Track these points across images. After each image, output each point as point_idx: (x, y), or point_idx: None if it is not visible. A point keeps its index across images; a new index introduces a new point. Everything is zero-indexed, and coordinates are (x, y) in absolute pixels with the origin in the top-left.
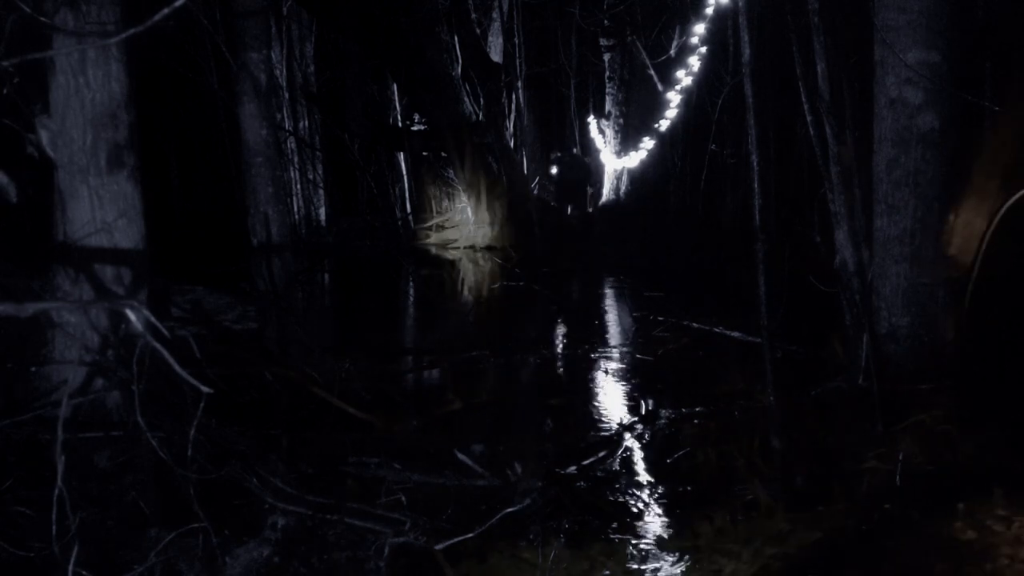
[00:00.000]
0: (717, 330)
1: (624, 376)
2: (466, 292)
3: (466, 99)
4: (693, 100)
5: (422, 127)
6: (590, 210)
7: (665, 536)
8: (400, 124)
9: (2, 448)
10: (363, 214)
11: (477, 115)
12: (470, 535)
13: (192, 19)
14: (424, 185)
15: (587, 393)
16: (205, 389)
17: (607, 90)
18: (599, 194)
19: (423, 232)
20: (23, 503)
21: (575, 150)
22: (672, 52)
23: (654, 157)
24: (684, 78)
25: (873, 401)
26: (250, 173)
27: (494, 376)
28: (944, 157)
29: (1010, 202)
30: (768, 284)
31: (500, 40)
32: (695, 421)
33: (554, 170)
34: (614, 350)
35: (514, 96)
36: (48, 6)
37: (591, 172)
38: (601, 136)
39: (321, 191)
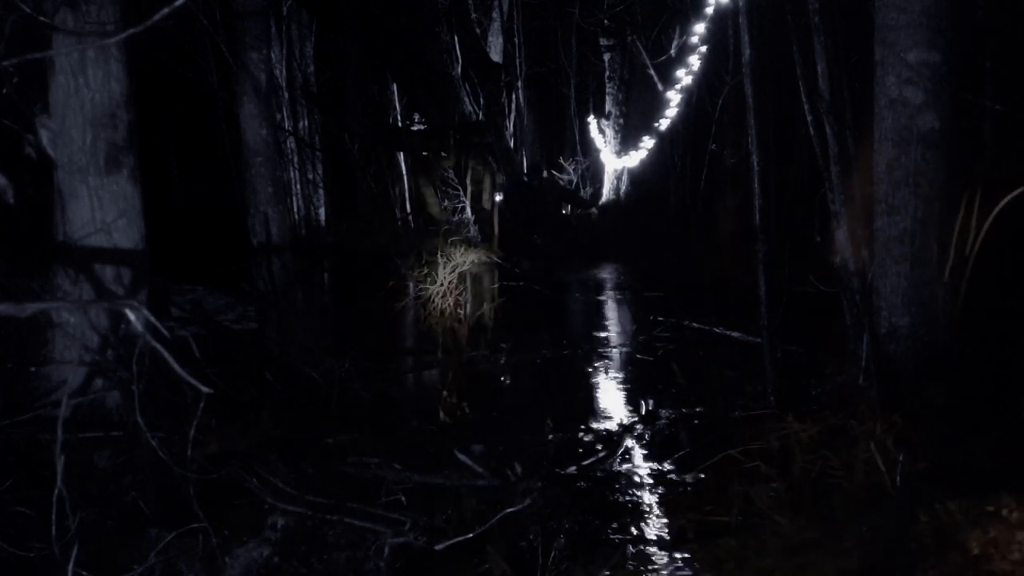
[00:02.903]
0: (717, 330)
1: (624, 376)
2: (466, 293)
3: (466, 99)
4: (693, 100)
5: (422, 127)
6: (592, 210)
7: (665, 536)
8: (400, 124)
9: (2, 448)
10: (363, 214)
11: (477, 115)
12: (470, 535)
13: (192, 19)
14: (424, 185)
15: (587, 393)
16: (205, 389)
17: (607, 90)
18: (599, 194)
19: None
20: (23, 503)
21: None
22: (672, 52)
23: (654, 157)
24: (684, 78)
25: (873, 400)
26: (250, 173)
27: (494, 376)
28: (944, 157)
29: (1005, 201)
30: (768, 284)
31: (500, 40)
32: (695, 421)
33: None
34: (614, 350)
35: (514, 96)
36: (48, 6)
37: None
38: (601, 136)
39: (321, 191)
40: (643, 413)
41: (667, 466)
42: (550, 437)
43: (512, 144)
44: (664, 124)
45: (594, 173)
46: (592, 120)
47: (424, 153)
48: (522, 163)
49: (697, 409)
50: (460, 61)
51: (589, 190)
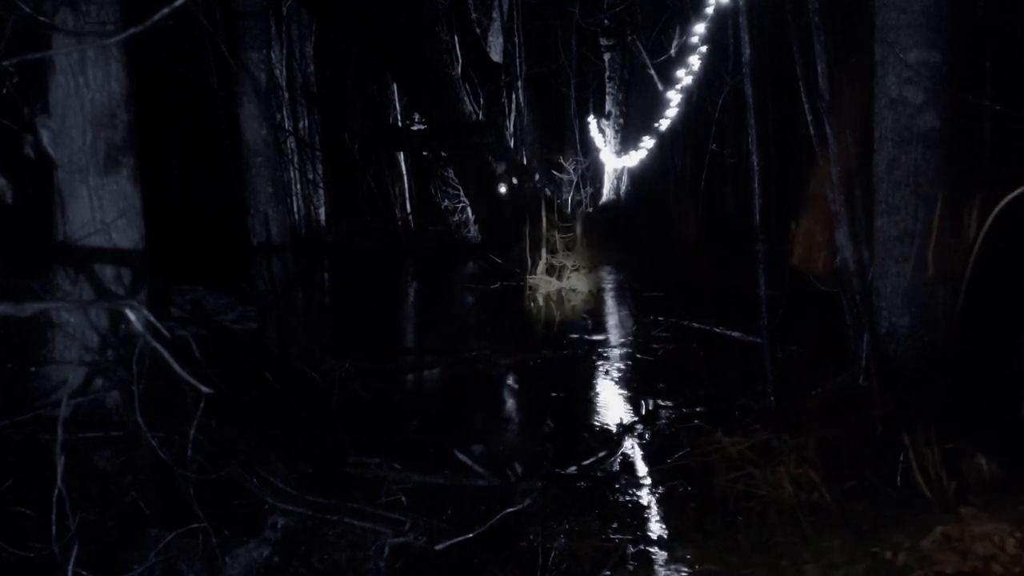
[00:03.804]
0: (717, 330)
1: (624, 376)
2: (466, 292)
3: (466, 99)
4: (693, 100)
5: (422, 127)
6: (590, 210)
7: (665, 536)
8: (400, 124)
9: (2, 448)
10: (363, 214)
11: (477, 115)
12: (470, 535)
13: (192, 19)
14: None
15: (587, 393)
16: (205, 389)
17: (607, 90)
18: (599, 194)
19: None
20: (23, 503)
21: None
22: (672, 52)
23: (654, 157)
24: (684, 77)
25: (873, 401)
26: (250, 173)
27: (494, 376)
28: (944, 157)
29: (1004, 201)
30: (768, 284)
31: (500, 40)
32: (695, 421)
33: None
34: (614, 350)
35: (514, 96)
36: (48, 6)
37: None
38: (601, 136)
39: (321, 191)
40: (643, 413)
41: (667, 466)
42: (550, 437)
43: (512, 144)
44: (664, 124)
45: (594, 173)
46: (592, 120)
47: (424, 153)
48: (523, 163)
49: (697, 409)
50: (460, 61)
51: (589, 190)
